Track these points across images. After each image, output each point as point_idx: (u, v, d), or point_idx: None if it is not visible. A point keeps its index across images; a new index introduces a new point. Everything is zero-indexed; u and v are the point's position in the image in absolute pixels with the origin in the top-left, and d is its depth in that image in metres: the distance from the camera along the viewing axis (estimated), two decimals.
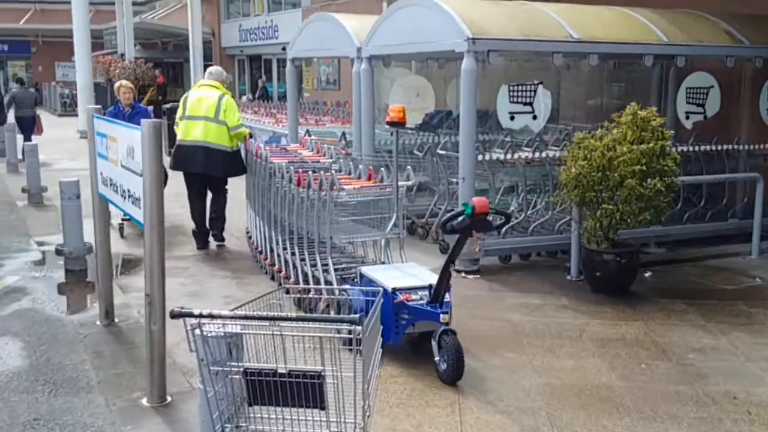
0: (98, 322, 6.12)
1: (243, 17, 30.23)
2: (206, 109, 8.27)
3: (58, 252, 7.74)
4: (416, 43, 8.53)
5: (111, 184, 5.51)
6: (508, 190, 8.93)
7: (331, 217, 6.00)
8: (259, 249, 7.88)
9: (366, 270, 5.69)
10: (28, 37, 42.52)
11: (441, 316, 4.95)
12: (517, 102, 8.02)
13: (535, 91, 8.02)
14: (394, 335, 5.15)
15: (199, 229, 8.72)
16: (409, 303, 5.09)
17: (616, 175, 6.74)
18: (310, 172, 6.43)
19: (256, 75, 30.10)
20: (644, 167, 6.71)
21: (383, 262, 6.17)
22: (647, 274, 7.65)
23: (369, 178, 6.51)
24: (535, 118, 8.12)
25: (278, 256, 7.14)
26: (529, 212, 8.51)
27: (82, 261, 7.69)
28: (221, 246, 8.84)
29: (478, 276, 7.61)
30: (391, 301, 5.09)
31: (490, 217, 5.01)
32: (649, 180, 6.79)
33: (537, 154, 8.18)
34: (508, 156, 8.04)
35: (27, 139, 16.96)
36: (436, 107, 10.62)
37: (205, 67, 33.69)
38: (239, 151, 8.51)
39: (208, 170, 8.32)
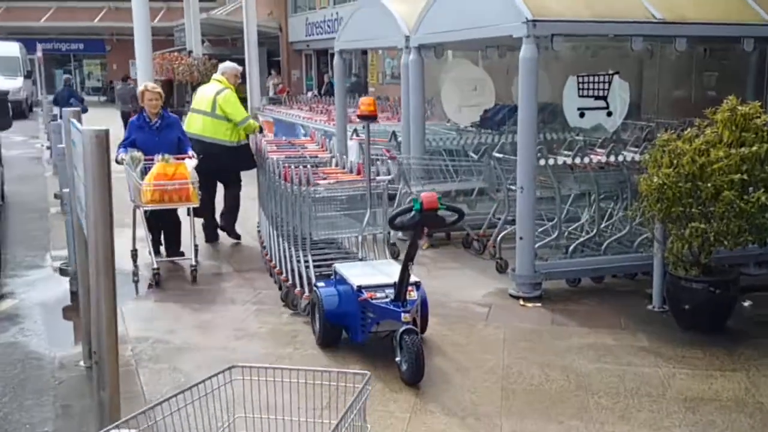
0: (81, 363, 5.19)
1: (309, 11, 29.39)
2: (205, 103, 8.37)
3: (62, 272, 6.89)
4: (469, 29, 7.34)
5: (80, 203, 4.55)
6: (578, 198, 7.67)
7: (310, 213, 5.94)
8: (264, 245, 7.66)
9: (339, 267, 5.57)
10: (102, 36, 42.77)
11: (402, 315, 4.83)
12: (588, 96, 6.78)
13: (609, 82, 6.76)
14: (361, 333, 5.17)
15: (206, 222, 8.67)
16: (373, 301, 4.99)
17: (709, 185, 5.44)
18: (292, 167, 6.19)
19: (323, 70, 29.24)
20: (745, 176, 5.39)
21: (361, 259, 6.06)
22: (746, 304, 6.30)
23: (358, 173, 6.30)
24: (609, 114, 6.86)
25: (275, 252, 6.80)
26: (602, 225, 7.25)
27: None
28: (237, 243, 8.71)
29: (540, 304, 6.40)
30: (357, 299, 5.06)
31: (441, 213, 4.75)
32: (751, 191, 5.47)
33: (612, 158, 6.90)
34: (577, 160, 6.79)
35: None
36: (499, 102, 9.39)
37: (269, 63, 33.21)
38: (247, 145, 8.39)
39: (204, 164, 7.90)
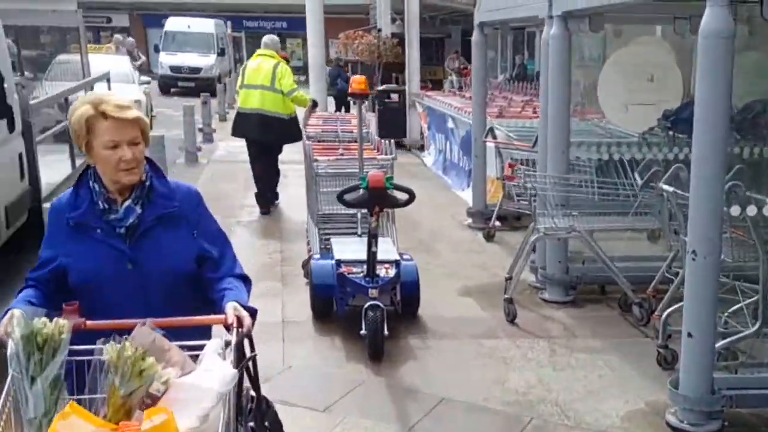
0: None
1: None
2: (263, 77, 8.45)
3: None
4: None
5: None
6: None
7: (314, 187, 6.18)
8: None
9: (335, 240, 5.75)
10: (304, 14, 42.52)
11: (370, 290, 4.95)
12: None
13: None
14: (339, 306, 5.28)
15: (261, 193, 8.79)
16: (348, 275, 5.11)
17: None
18: (307, 142, 6.65)
19: (521, 50, 26.62)
20: None
21: (359, 235, 5.96)
22: None
23: (377, 150, 6.50)
24: None
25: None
26: None
27: None
28: (274, 207, 8.86)
29: None
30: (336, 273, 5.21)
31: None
32: None
33: None
34: None
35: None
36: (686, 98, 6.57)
37: (463, 43, 30.84)
38: (296, 118, 8.57)
39: (263, 137, 8.51)
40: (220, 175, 10.85)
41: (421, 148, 13.61)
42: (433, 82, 23.73)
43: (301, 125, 7.98)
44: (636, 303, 5.54)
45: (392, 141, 6.56)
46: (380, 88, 15.60)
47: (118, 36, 21.80)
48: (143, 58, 21.08)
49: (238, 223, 8.24)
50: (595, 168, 6.53)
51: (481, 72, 8.27)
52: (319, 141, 7.11)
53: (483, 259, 7.08)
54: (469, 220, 8.33)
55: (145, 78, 16.44)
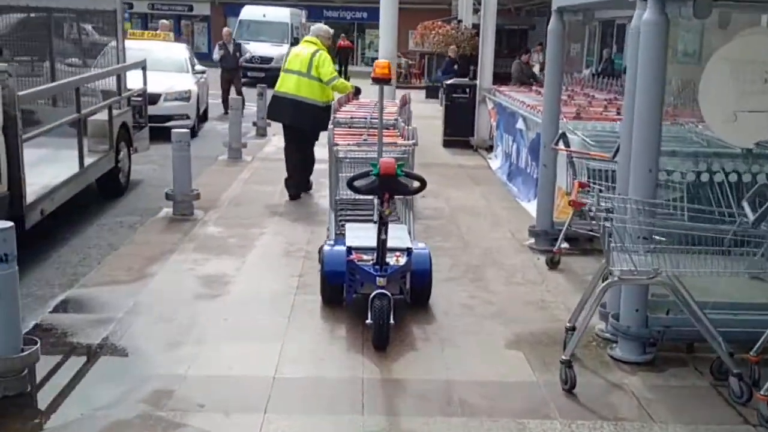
0: None
1: None
2: (300, 63, 8.44)
3: None
4: None
5: None
6: None
7: (335, 171, 6.25)
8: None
9: (349, 226, 5.73)
10: None
11: (378, 279, 4.91)
12: None
13: None
14: (348, 294, 5.21)
15: (291, 177, 8.78)
16: (358, 263, 5.06)
17: None
18: (331, 127, 6.67)
19: (609, 43, 24.94)
20: None
21: (375, 221, 5.37)
22: None
23: (402, 137, 6.59)
24: None
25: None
26: None
27: None
28: (307, 193, 8.87)
29: None
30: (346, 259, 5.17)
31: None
32: None
33: None
34: None
35: None
36: None
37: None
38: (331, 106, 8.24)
39: (295, 122, 8.56)
40: (260, 176, 9.86)
41: (490, 148, 12.34)
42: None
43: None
44: (734, 375, 4.22)
45: (416, 129, 6.52)
46: (449, 81, 14.38)
47: (164, 21, 21.14)
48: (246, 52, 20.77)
49: (261, 234, 7.19)
50: (686, 185, 5.25)
51: (555, 66, 6.94)
52: (349, 127, 7.20)
53: (542, 293, 5.82)
54: (531, 240, 7.08)
55: (200, 67, 15.57)
